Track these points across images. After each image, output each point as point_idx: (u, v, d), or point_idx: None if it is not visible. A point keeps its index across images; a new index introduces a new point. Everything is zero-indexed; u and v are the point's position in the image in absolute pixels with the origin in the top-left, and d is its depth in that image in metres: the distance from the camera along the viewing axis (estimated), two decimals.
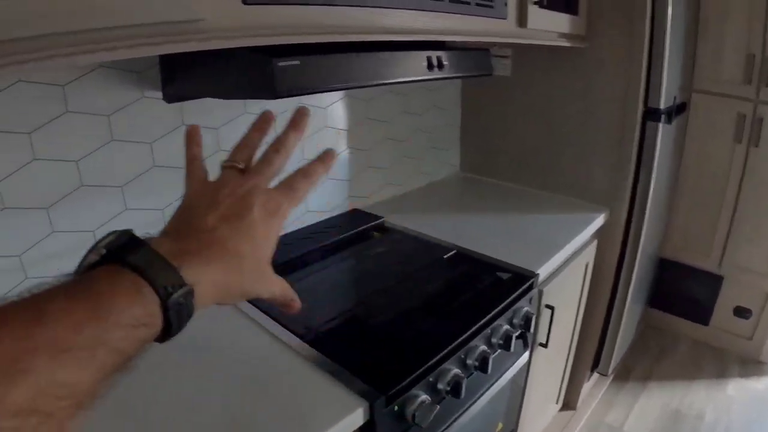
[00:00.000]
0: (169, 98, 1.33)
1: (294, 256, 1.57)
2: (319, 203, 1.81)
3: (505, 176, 2.29)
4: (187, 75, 1.22)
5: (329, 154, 0.69)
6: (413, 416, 1.07)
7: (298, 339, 1.19)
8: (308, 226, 1.77)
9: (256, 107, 1.50)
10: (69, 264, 1.13)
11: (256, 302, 1.33)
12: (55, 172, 1.22)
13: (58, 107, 1.20)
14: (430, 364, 1.12)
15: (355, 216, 1.89)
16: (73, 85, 1.21)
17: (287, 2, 0.88)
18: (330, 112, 1.74)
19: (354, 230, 1.75)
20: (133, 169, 1.34)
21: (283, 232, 1.53)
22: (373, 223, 1.81)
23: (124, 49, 0.73)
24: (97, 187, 1.29)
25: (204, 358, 1.15)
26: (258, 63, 0.95)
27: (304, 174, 0.66)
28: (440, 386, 1.15)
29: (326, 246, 1.65)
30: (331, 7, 0.94)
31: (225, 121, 1.46)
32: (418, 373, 1.09)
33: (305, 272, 1.53)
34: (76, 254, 1.27)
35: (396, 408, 1.06)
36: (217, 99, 1.37)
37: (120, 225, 1.30)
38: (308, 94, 1.03)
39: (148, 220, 1.38)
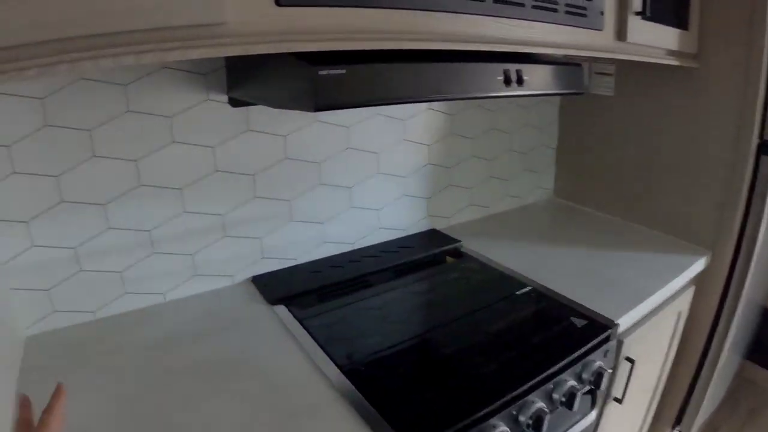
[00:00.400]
0: (235, 102, 1.28)
1: (358, 275, 1.49)
2: (394, 220, 1.72)
3: (599, 205, 2.10)
4: (246, 79, 1.15)
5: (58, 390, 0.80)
6: None
7: (336, 368, 1.10)
8: (380, 244, 1.68)
9: (328, 115, 1.43)
10: (123, 261, 1.24)
11: (302, 320, 1.26)
12: (114, 170, 1.21)
13: (119, 106, 1.18)
14: (475, 418, 0.99)
15: (431, 237, 1.78)
16: (135, 85, 1.18)
17: (328, 4, 0.79)
18: (409, 125, 1.64)
19: (427, 253, 1.65)
20: (193, 172, 1.29)
21: (352, 248, 1.50)
22: (448, 247, 1.70)
23: (131, 55, 0.65)
24: (156, 188, 1.26)
25: (236, 372, 1.10)
26: (298, 71, 0.86)
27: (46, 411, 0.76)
28: None
29: (394, 267, 1.56)
30: (379, 9, 0.84)
31: (293, 130, 1.40)
32: (458, 428, 0.96)
33: (367, 293, 1.44)
34: (131, 252, 1.34)
35: None
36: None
37: (177, 227, 1.32)
38: (351, 108, 0.92)
39: (205, 225, 1.34)
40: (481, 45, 1.01)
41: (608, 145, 2.01)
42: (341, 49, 0.83)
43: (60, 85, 1.11)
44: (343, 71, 0.85)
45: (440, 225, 1.85)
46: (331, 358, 1.13)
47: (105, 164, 1.19)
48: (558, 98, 2.13)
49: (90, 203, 1.20)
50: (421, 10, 0.89)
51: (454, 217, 1.90)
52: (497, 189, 2.04)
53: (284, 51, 0.76)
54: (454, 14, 0.94)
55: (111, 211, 1.23)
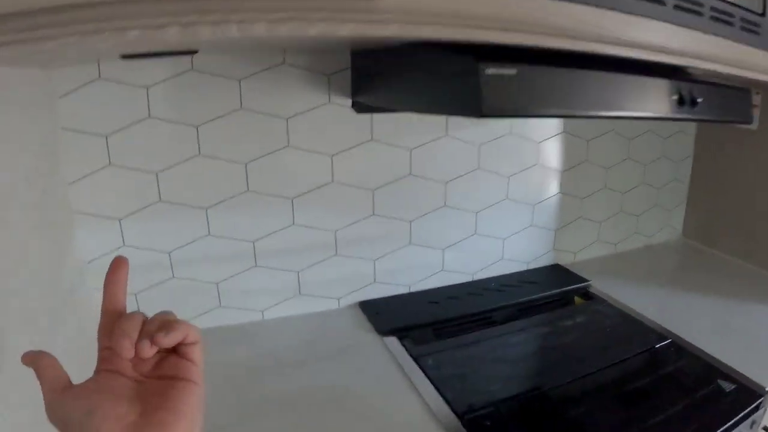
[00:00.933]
0: (359, 108, 1.13)
1: (479, 310, 1.31)
2: (518, 252, 1.53)
3: (733, 249, 1.81)
4: (377, 81, 1.00)
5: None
6: None
7: (455, 417, 0.93)
8: (502, 276, 1.49)
9: (459, 129, 1.26)
10: (221, 272, 1.15)
11: (416, 357, 1.10)
12: (221, 171, 1.09)
13: (231, 103, 1.06)
14: None
15: (557, 273, 1.58)
16: (251, 80, 1.06)
17: None
18: (543, 148, 1.45)
19: (553, 291, 1.44)
20: (307, 181, 1.16)
21: (471, 279, 1.34)
22: (576, 286, 1.49)
23: (263, 22, 0.50)
24: (264, 195, 1.13)
25: (341, 407, 0.97)
26: (458, 68, 0.69)
27: None
28: None
29: (518, 304, 1.37)
30: (560, 2, 0.65)
31: (420, 143, 1.24)
32: None
33: (488, 332, 1.25)
34: (231, 263, 1.22)
35: None
36: (412, 114, 1.18)
37: (284, 241, 1.16)
38: (520, 116, 0.74)
39: (315, 241, 1.20)
40: (657, 54, 0.82)
41: (747, 184, 1.73)
42: (508, 42, 0.66)
43: (166, 75, 1.01)
44: (514, 71, 0.68)
45: (565, 260, 1.64)
46: (449, 405, 0.96)
47: (210, 164, 1.08)
48: (694, 129, 1.88)
49: (190, 206, 1.09)
50: (592, 6, 0.70)
51: (580, 252, 1.68)
52: (626, 225, 1.80)
53: (456, 38, 0.60)
54: (634, 17, 0.75)
55: (213, 216, 1.11)
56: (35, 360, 0.49)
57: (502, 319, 1.30)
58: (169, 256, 1.11)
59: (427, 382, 1.03)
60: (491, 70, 0.66)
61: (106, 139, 1.00)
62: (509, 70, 0.67)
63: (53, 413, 0.46)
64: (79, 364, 0.55)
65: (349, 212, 1.21)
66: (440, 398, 0.98)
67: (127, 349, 0.48)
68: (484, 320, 1.29)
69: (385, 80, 0.96)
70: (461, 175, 1.30)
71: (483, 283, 1.43)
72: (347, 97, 1.13)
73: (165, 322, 0.52)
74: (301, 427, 0.92)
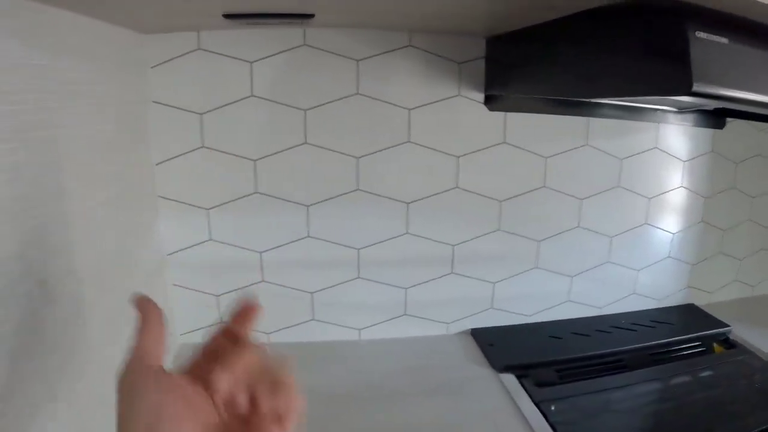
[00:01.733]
0: (493, 104, 0.95)
1: (609, 351, 1.09)
2: (651, 286, 1.29)
3: None
4: (521, 65, 0.82)
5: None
6: None
7: None
8: (632, 313, 1.26)
9: (601, 138, 1.06)
10: (318, 279, 1.08)
11: (539, 403, 0.91)
12: (328, 165, 0.95)
13: (347, 86, 0.92)
14: None
15: (692, 315, 1.34)
16: (371, 62, 0.91)
17: None
18: (689, 168, 1.23)
19: (690, 335, 1.21)
20: (427, 184, 0.99)
21: (599, 312, 1.21)
22: (715, 331, 1.25)
23: None
24: (376, 196, 0.98)
25: None
26: (659, 33, 0.53)
27: None
28: None
29: (652, 348, 1.14)
30: None
31: (556, 152, 1.04)
32: None
33: (619, 379, 1.04)
34: (331, 270, 1.08)
35: None
36: (549, 116, 1.00)
37: (394, 251, 1.00)
38: (727, 99, 0.54)
39: (428, 254, 1.04)
40: None
41: None
42: None
43: (274, 50, 0.87)
44: (726, 40, 0.52)
45: (700, 300, 1.39)
46: None
47: (318, 155, 0.93)
48: None
49: (290, 201, 0.96)
50: None
51: (716, 293, 1.43)
52: (766, 264, 1.55)
53: None
54: None
55: (314, 215, 0.97)
56: (146, 308, 0.43)
57: (633, 364, 1.08)
58: (261, 256, 0.96)
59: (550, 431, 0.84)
60: (702, 35, 0.49)
61: (201, 117, 0.89)
62: (720, 38, 0.52)
63: (127, 380, 0.38)
64: None
65: (472, 225, 1.03)
66: None
67: (224, 392, 0.40)
68: (613, 363, 1.08)
69: (535, 65, 0.79)
70: (600, 192, 1.10)
71: (612, 319, 1.21)
72: (479, 91, 0.96)
73: (279, 387, 0.42)
74: None
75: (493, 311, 1.11)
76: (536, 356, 1.04)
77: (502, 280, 1.09)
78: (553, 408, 0.91)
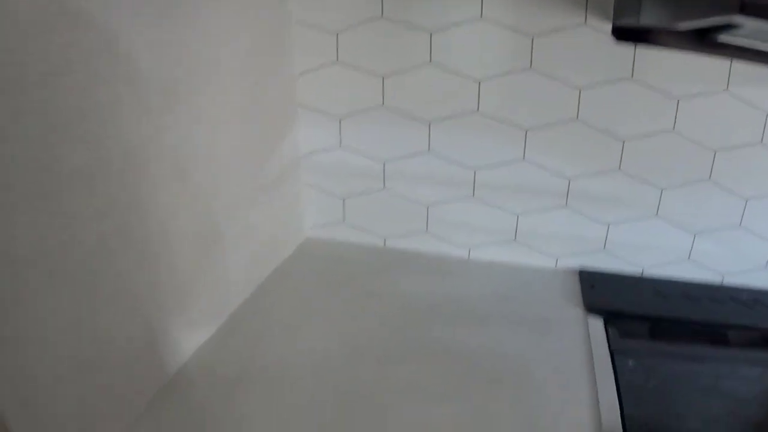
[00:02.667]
0: (620, 35, 0.93)
1: (716, 322, 0.99)
2: None
3: None
4: None
5: None
6: None
7: None
8: (757, 291, 1.10)
9: (744, 85, 0.98)
10: (434, 194, 1.03)
11: (614, 352, 0.88)
12: (452, 85, 0.98)
13: (473, 11, 0.94)
14: None
15: None
16: None
17: None
18: None
19: None
20: (542, 112, 0.99)
21: (719, 281, 1.13)
22: None
23: None
24: (497, 122, 0.99)
25: (498, 374, 0.82)
26: None
27: None
28: None
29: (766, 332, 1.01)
30: None
31: (691, 95, 0.97)
32: None
33: (716, 352, 0.95)
34: (447, 187, 1.12)
35: None
36: (684, 55, 0.94)
37: (509, 176, 1.04)
38: None
39: (543, 184, 1.03)
40: None
41: None
42: None
43: None
44: None
45: None
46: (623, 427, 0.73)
47: (441, 76, 0.97)
48: None
49: (414, 117, 1.01)
50: None
51: None
52: None
53: None
54: None
55: (436, 132, 1.01)
56: None
57: (738, 342, 0.98)
58: (384, 165, 1.04)
59: (613, 386, 0.80)
60: None
61: (337, 36, 0.97)
62: None
63: None
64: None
65: (591, 160, 1.01)
66: (617, 414, 0.75)
67: None
68: (717, 337, 0.98)
69: None
70: (737, 147, 1.01)
71: (732, 290, 1.09)
72: (608, 21, 0.94)
73: None
74: (445, 378, 0.80)
75: (605, 255, 1.07)
76: (632, 307, 1.00)
77: (617, 224, 1.05)
78: (629, 363, 0.88)
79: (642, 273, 1.10)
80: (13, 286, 0.49)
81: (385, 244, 1.10)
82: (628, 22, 0.90)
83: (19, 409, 0.52)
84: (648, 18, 0.85)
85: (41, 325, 0.53)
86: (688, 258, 1.08)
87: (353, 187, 1.07)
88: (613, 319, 0.96)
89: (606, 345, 0.89)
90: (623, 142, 0.99)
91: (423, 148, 1.02)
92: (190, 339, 0.82)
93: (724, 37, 0.73)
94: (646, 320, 0.99)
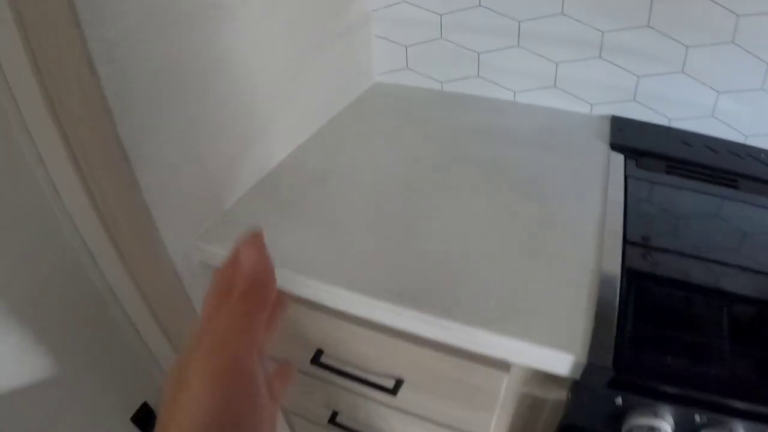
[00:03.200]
0: None
1: (730, 170, 1.05)
2: None
3: None
4: None
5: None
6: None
7: (619, 248, 0.83)
8: None
9: None
10: (485, 43, 1.15)
11: (628, 176, 1.01)
12: None
13: None
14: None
15: None
16: None
17: None
18: None
19: None
20: None
21: (741, 140, 1.17)
22: None
23: None
24: None
25: (523, 186, 0.97)
26: None
27: None
28: None
29: None
30: None
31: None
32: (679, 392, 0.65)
33: (724, 192, 1.02)
34: (495, 37, 1.13)
35: (616, 399, 0.67)
36: None
37: (550, 28, 1.17)
38: None
39: (579, 36, 1.13)
40: None
41: None
42: None
43: None
44: None
45: None
46: (625, 236, 0.85)
47: None
48: None
49: None
50: None
51: None
52: None
53: None
54: None
55: None
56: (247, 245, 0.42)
57: (747, 189, 1.04)
58: (441, 18, 1.17)
59: (621, 203, 0.92)
60: None
61: None
62: None
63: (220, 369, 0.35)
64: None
65: (622, 15, 1.08)
66: (620, 225, 0.87)
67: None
68: (727, 180, 1.04)
69: None
70: (764, 13, 1.07)
71: (753, 150, 1.15)
72: None
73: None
74: (476, 186, 0.97)
75: (636, 104, 1.17)
76: (655, 148, 1.09)
77: (647, 76, 1.13)
78: (641, 189, 0.98)
79: (669, 124, 1.19)
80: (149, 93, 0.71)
81: (442, 87, 1.26)
82: None
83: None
84: None
85: (170, 120, 0.77)
86: (712, 115, 1.16)
87: (415, 37, 1.21)
88: (633, 155, 1.08)
89: (623, 172, 1.02)
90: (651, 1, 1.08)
91: (475, 3, 1.13)
92: (276, 151, 1.05)
93: None
94: (663, 159, 1.08)
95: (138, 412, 1.72)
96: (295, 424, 1.34)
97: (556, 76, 1.18)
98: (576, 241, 0.83)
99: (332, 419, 1.15)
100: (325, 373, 0.99)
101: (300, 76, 1.07)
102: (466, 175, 0.99)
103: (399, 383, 0.90)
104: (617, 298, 0.73)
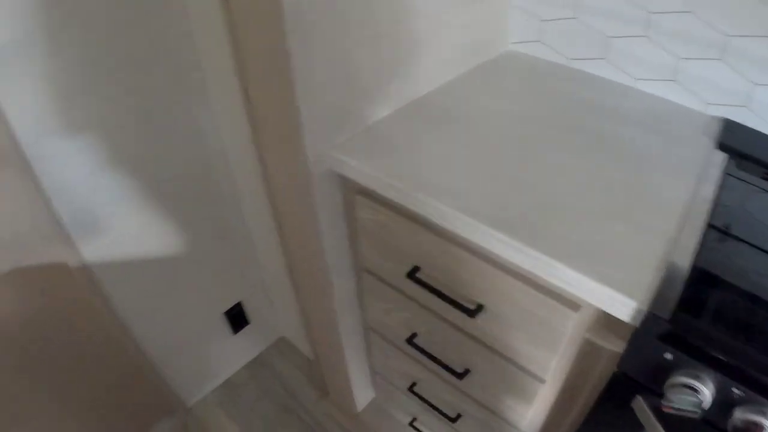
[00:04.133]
0: None
1: None
2: None
3: None
4: None
5: None
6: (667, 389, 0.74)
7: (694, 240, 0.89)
8: None
9: None
10: (613, 28, 1.16)
11: (727, 174, 1.01)
12: None
13: None
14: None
15: None
16: None
17: None
18: None
19: None
20: None
21: None
22: None
23: None
24: None
25: (618, 161, 1.04)
26: None
27: None
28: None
29: None
30: None
31: None
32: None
33: None
34: (625, 25, 1.15)
35: (666, 354, 0.74)
36: None
37: (678, 24, 1.18)
38: None
39: (704, 36, 1.14)
40: None
41: None
42: None
43: None
44: None
45: None
46: (708, 221, 0.90)
47: None
48: None
49: None
50: None
51: None
52: None
53: None
54: None
55: None
56: None
57: None
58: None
59: (711, 192, 0.96)
60: None
61: None
62: None
63: None
64: None
65: (752, 23, 1.07)
66: (707, 209, 0.92)
67: None
68: None
69: None
70: None
71: None
72: None
73: None
74: (588, 150, 1.06)
75: (749, 112, 1.16)
76: (759, 155, 1.09)
77: (763, 85, 1.12)
78: (733, 195, 0.98)
79: None
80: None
81: (569, 63, 1.32)
82: None
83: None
84: None
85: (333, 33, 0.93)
86: None
87: (550, 14, 1.28)
88: (735, 156, 1.09)
89: (721, 168, 1.05)
90: None
91: None
92: (419, 84, 1.22)
93: None
94: (764, 166, 1.07)
95: (232, 309, 1.93)
96: (372, 343, 1.47)
97: (677, 71, 1.21)
98: (661, 213, 0.91)
99: (409, 339, 1.27)
100: (416, 291, 1.12)
101: (447, 22, 1.20)
102: (575, 139, 1.09)
103: (479, 308, 1.02)
104: (688, 267, 0.81)
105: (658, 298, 0.76)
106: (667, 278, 0.79)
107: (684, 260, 0.82)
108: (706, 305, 0.77)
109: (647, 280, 0.79)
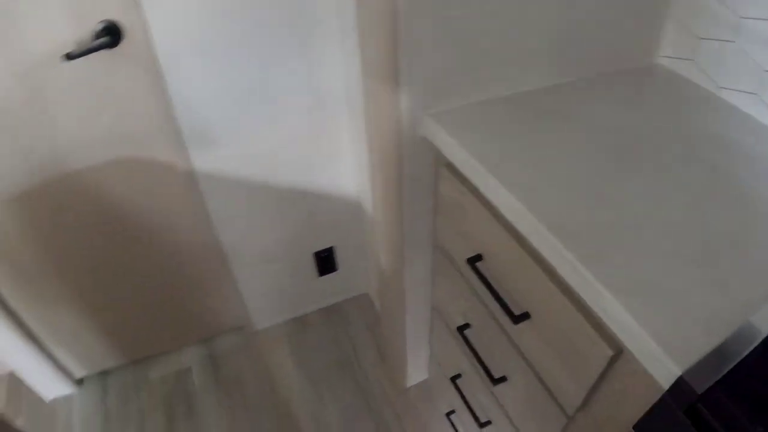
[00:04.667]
0: None
1: None
2: None
3: None
4: None
5: None
6: None
7: None
8: None
9: None
10: None
11: None
12: None
13: None
14: None
15: None
16: None
17: None
18: None
19: None
20: None
21: None
22: None
23: None
24: None
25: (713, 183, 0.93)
26: None
27: None
28: None
29: None
30: None
31: None
32: None
33: None
34: None
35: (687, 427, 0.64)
36: None
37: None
38: None
39: None
40: None
41: None
42: None
43: None
44: None
45: None
46: None
47: None
48: None
49: None
50: None
51: None
52: None
53: None
54: None
55: None
56: None
57: None
58: (739, 20, 1.08)
59: None
60: None
61: None
62: None
63: None
64: None
65: None
66: None
67: None
68: None
69: None
70: None
71: None
72: None
73: None
74: (685, 175, 0.94)
75: None
76: None
77: None
78: None
79: None
80: None
81: (718, 93, 1.17)
82: None
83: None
84: None
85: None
86: None
87: (709, 32, 1.14)
88: None
89: None
90: None
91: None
92: (523, 82, 1.16)
93: None
94: None
95: (323, 251, 1.98)
96: (435, 325, 1.45)
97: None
98: (753, 273, 0.77)
99: (461, 329, 1.23)
100: (475, 281, 1.08)
101: (595, 16, 1.13)
102: (688, 171, 0.96)
103: (525, 315, 0.96)
104: (750, 347, 0.67)
105: (703, 365, 0.65)
106: (725, 345, 0.67)
107: (755, 331, 0.69)
108: (751, 394, 0.65)
109: (699, 344, 0.67)
